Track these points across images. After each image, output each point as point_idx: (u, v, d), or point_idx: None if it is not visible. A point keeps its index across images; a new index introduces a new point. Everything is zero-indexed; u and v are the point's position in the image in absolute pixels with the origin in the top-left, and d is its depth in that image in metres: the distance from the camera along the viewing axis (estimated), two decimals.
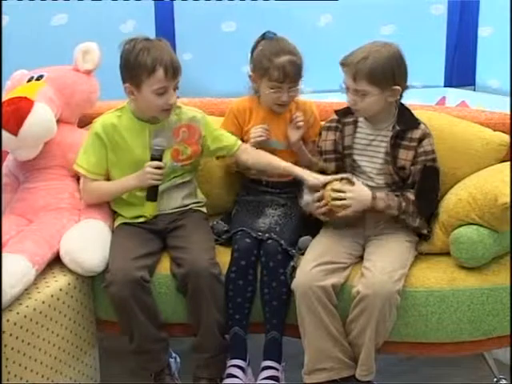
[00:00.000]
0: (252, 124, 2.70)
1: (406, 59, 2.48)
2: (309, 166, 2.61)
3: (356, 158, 2.56)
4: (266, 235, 2.50)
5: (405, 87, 2.48)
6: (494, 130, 2.69)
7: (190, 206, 2.67)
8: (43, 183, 2.67)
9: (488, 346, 2.53)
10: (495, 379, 2.70)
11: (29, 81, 2.77)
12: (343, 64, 2.46)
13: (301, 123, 2.64)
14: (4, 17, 3.26)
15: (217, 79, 3.75)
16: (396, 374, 2.73)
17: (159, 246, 2.58)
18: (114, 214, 2.67)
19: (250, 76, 2.66)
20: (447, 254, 2.47)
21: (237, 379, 2.44)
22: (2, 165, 2.70)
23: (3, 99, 2.61)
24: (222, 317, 2.47)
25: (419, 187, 2.47)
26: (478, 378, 2.74)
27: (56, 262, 2.47)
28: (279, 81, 2.58)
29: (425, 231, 2.51)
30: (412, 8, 3.87)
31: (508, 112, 2.84)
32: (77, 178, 2.68)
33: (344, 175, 2.49)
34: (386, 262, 2.37)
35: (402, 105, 2.55)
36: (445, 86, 3.99)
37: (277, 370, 2.46)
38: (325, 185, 2.47)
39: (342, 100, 2.58)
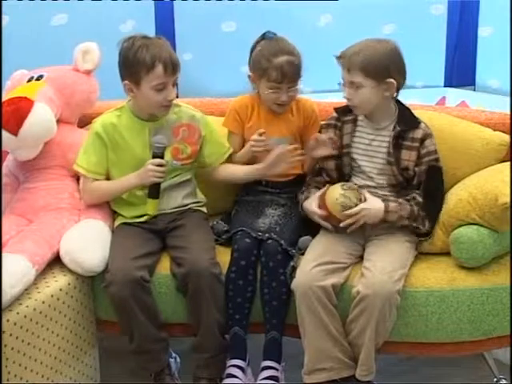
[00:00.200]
0: (253, 121, 2.70)
1: (406, 59, 2.48)
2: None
3: (355, 157, 2.56)
4: (266, 235, 2.50)
5: (401, 83, 2.48)
6: (494, 130, 2.68)
7: (189, 206, 2.67)
8: (43, 183, 2.67)
9: (488, 346, 2.53)
10: (495, 379, 2.70)
11: (29, 81, 2.77)
12: (339, 57, 2.48)
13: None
14: (4, 17, 3.26)
15: (217, 79, 3.75)
16: (396, 374, 2.73)
17: (159, 246, 2.58)
18: (114, 214, 2.67)
19: (249, 76, 2.66)
20: (447, 253, 2.47)
21: (236, 379, 2.44)
22: (2, 165, 2.70)
23: (3, 99, 2.61)
24: (222, 317, 2.47)
25: (425, 188, 2.47)
26: (478, 377, 2.74)
27: (56, 262, 2.47)
28: (277, 81, 2.58)
29: (424, 230, 2.51)
30: (412, 8, 3.87)
31: (508, 112, 2.84)
32: (77, 177, 2.68)
33: (349, 184, 2.50)
34: (386, 262, 2.37)
35: (401, 104, 2.55)
36: (445, 86, 3.99)
37: (276, 370, 2.46)
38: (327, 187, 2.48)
39: (341, 100, 2.57)
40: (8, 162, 2.75)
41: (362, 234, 2.54)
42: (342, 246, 2.48)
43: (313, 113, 2.71)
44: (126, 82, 2.52)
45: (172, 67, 2.49)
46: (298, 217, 2.61)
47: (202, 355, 2.47)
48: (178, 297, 2.49)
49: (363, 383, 2.39)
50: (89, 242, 2.49)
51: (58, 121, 2.70)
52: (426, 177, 2.48)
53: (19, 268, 2.30)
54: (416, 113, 2.58)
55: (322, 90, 3.42)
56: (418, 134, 2.49)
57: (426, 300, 2.38)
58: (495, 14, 3.81)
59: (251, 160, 2.68)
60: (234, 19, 3.78)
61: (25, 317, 2.25)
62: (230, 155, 2.70)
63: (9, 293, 2.22)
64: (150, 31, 3.59)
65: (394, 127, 2.50)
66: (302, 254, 2.50)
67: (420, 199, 2.46)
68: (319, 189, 2.56)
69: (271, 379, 2.44)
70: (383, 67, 2.42)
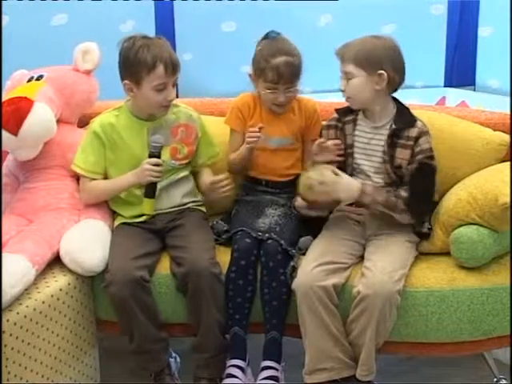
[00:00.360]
0: (255, 120, 2.70)
1: (406, 59, 2.48)
2: None
3: (355, 156, 2.57)
4: (266, 235, 2.50)
5: (397, 79, 2.47)
6: (494, 130, 2.68)
7: (188, 205, 2.67)
8: (43, 183, 2.67)
9: (488, 346, 2.53)
10: (495, 379, 2.70)
11: (29, 81, 2.77)
12: (336, 52, 2.49)
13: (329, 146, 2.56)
14: (4, 17, 3.26)
15: (217, 79, 3.75)
16: (396, 374, 2.73)
17: (159, 246, 2.58)
18: (114, 214, 2.68)
19: (249, 75, 2.67)
20: (447, 253, 2.47)
21: (236, 379, 2.44)
22: (2, 165, 2.70)
23: (3, 99, 2.62)
24: (223, 316, 2.47)
25: (412, 183, 2.46)
26: (478, 377, 2.74)
27: (56, 262, 2.47)
28: (274, 81, 2.58)
29: (425, 229, 2.50)
30: (412, 8, 3.87)
31: (508, 112, 2.84)
32: (77, 178, 2.68)
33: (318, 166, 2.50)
34: (387, 262, 2.37)
35: (400, 104, 2.55)
36: (445, 86, 3.99)
37: (276, 370, 2.46)
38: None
39: (342, 100, 2.57)
40: (8, 162, 2.75)
41: (363, 233, 2.54)
42: (342, 246, 2.48)
43: (315, 113, 2.71)
44: (126, 81, 2.52)
45: (172, 67, 2.50)
46: (298, 217, 2.61)
47: (202, 355, 2.47)
48: (177, 297, 2.49)
49: (364, 383, 2.39)
50: (89, 242, 2.49)
51: (58, 121, 2.70)
52: (416, 175, 2.46)
53: (19, 268, 2.30)
54: (416, 113, 2.57)
55: (322, 90, 3.43)
56: (414, 132, 2.48)
57: (426, 300, 2.38)
58: (495, 14, 3.81)
59: (248, 158, 2.68)
60: (234, 19, 3.78)
61: (25, 317, 2.25)
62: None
63: (9, 293, 2.22)
64: (150, 31, 3.58)
65: (391, 126, 2.50)
66: (303, 254, 2.50)
67: (403, 194, 2.45)
68: None
69: (271, 379, 2.44)
70: (375, 59, 2.43)
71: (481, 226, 2.41)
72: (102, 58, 2.81)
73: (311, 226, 2.59)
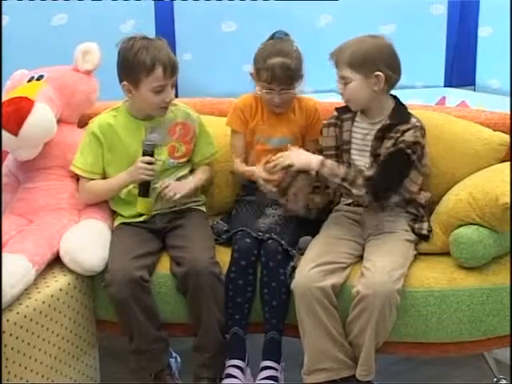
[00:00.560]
0: (256, 121, 2.70)
1: (406, 59, 2.48)
2: None
3: (352, 152, 2.57)
4: (267, 235, 2.50)
5: (393, 77, 2.47)
6: (494, 130, 2.68)
7: (188, 205, 2.67)
8: (43, 183, 2.67)
9: (488, 346, 2.53)
10: (495, 379, 2.70)
11: (29, 81, 2.77)
12: (330, 55, 2.49)
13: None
14: (4, 17, 3.26)
15: (217, 79, 3.75)
16: (396, 374, 2.73)
17: (158, 246, 2.58)
18: (114, 214, 2.68)
19: (251, 74, 2.67)
20: (447, 253, 2.47)
21: (236, 379, 2.44)
22: (2, 165, 2.70)
23: (3, 99, 2.62)
24: (223, 316, 2.47)
25: (381, 164, 2.44)
26: (478, 377, 2.74)
27: (56, 262, 2.47)
28: (268, 82, 2.58)
29: (424, 231, 2.50)
30: (412, 8, 3.87)
31: (508, 112, 2.84)
32: (76, 178, 2.68)
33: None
34: (386, 262, 2.37)
35: (399, 102, 2.55)
36: (445, 86, 3.99)
37: (276, 370, 2.46)
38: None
39: (342, 100, 2.57)
40: (8, 162, 2.75)
41: (362, 233, 2.54)
42: (341, 246, 2.48)
43: (315, 112, 2.71)
44: (125, 83, 2.52)
45: (171, 69, 2.50)
46: (298, 218, 2.61)
47: (203, 355, 2.47)
48: (177, 297, 2.49)
49: (363, 383, 2.39)
50: (89, 242, 2.49)
51: (58, 121, 2.70)
52: (388, 157, 2.44)
53: (19, 268, 2.30)
54: (416, 113, 2.57)
55: (322, 90, 3.43)
56: (404, 127, 2.47)
57: (425, 300, 2.38)
58: (495, 14, 3.81)
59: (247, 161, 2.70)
60: (233, 19, 3.78)
61: (25, 317, 2.25)
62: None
63: (9, 293, 2.22)
64: (150, 31, 3.59)
65: (385, 121, 2.50)
66: (302, 254, 2.50)
67: (367, 173, 2.45)
68: (315, 193, 2.56)
69: (270, 379, 2.44)
70: (370, 61, 2.43)
71: (481, 226, 2.41)
72: (102, 58, 2.81)
73: (311, 226, 2.59)
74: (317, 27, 3.82)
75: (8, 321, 2.19)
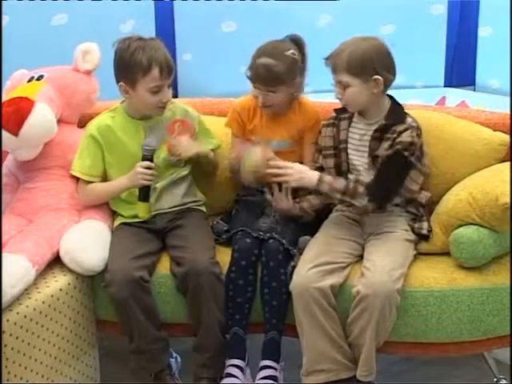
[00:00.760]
0: (255, 124, 2.70)
1: (406, 59, 2.50)
2: None
3: (350, 152, 2.57)
4: (268, 235, 2.50)
5: (389, 79, 2.47)
6: (494, 130, 2.68)
7: (189, 205, 2.67)
8: (43, 183, 2.67)
9: (488, 346, 2.53)
10: (495, 379, 2.70)
11: (29, 81, 2.77)
12: (326, 59, 2.49)
13: None
14: (4, 17, 3.26)
15: (217, 79, 3.75)
16: (396, 374, 2.73)
17: (158, 246, 2.58)
18: (114, 215, 2.68)
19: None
20: (447, 253, 2.47)
21: (235, 379, 2.44)
22: (2, 165, 2.70)
23: (3, 99, 2.62)
24: (223, 316, 2.47)
25: (380, 169, 2.45)
26: (478, 377, 2.74)
27: (56, 262, 2.47)
28: (252, 81, 2.59)
29: (424, 231, 2.50)
30: (412, 8, 3.87)
31: (508, 112, 2.84)
32: (76, 178, 2.68)
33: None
34: (386, 262, 2.37)
35: (395, 101, 2.55)
36: (445, 86, 3.99)
37: (275, 369, 2.46)
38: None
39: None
40: (8, 162, 2.75)
41: (361, 233, 2.54)
42: (340, 246, 2.48)
43: (314, 114, 2.70)
44: (122, 83, 2.52)
45: (167, 70, 2.51)
46: (299, 217, 2.61)
47: (203, 355, 2.47)
48: (177, 297, 2.49)
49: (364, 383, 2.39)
50: (89, 242, 2.49)
51: (59, 121, 2.70)
52: (386, 160, 2.44)
53: (19, 268, 2.30)
54: (416, 113, 2.58)
55: (322, 90, 3.42)
56: (400, 127, 2.47)
57: (425, 300, 2.38)
58: (495, 14, 3.81)
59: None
60: (234, 19, 3.78)
61: (25, 317, 2.25)
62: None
63: (9, 293, 2.22)
64: (150, 31, 3.59)
65: (382, 121, 2.50)
66: (301, 253, 2.50)
67: (366, 180, 2.45)
68: (313, 193, 2.56)
69: (269, 379, 2.44)
70: (368, 65, 2.42)
71: (481, 226, 2.41)
72: (102, 58, 2.81)
73: (312, 225, 2.59)
74: (317, 27, 3.82)
75: (8, 321, 2.19)
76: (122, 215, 2.64)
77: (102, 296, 2.48)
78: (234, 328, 2.47)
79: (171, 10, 3.77)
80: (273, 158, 2.51)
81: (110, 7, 3.58)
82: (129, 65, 2.49)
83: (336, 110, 2.62)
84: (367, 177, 2.46)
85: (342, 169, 2.57)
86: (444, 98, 3.93)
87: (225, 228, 2.62)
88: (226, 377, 2.45)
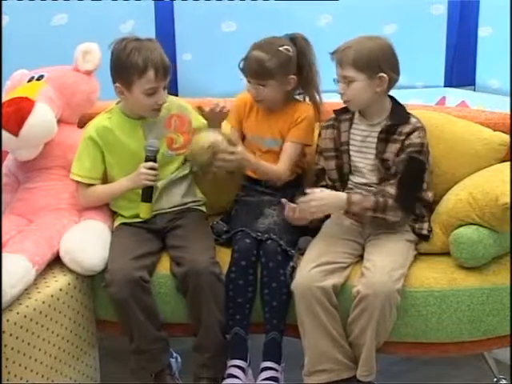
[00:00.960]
0: (250, 120, 2.70)
1: (406, 59, 2.49)
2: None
3: (352, 153, 2.57)
4: (266, 235, 2.50)
5: (394, 78, 2.48)
6: (494, 130, 2.68)
7: (189, 205, 2.67)
8: (43, 183, 2.67)
9: (488, 346, 2.53)
10: (495, 379, 2.70)
11: (29, 81, 2.77)
12: (332, 53, 2.49)
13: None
14: (4, 17, 3.26)
15: (217, 79, 3.75)
16: (396, 374, 2.73)
17: (158, 246, 2.58)
18: (114, 215, 2.68)
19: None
20: (447, 253, 2.47)
21: (237, 379, 2.43)
22: (2, 165, 2.70)
23: (3, 99, 2.62)
24: (223, 316, 2.47)
25: (401, 178, 2.45)
26: (478, 377, 2.74)
27: (56, 262, 2.47)
28: (243, 72, 2.60)
29: (425, 231, 2.50)
30: (412, 8, 3.87)
31: (508, 112, 2.84)
32: (76, 180, 2.68)
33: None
34: (386, 262, 2.37)
35: (396, 101, 2.55)
36: (445, 86, 3.99)
37: (276, 370, 2.45)
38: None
39: (339, 100, 2.57)
40: (8, 162, 2.75)
41: (362, 233, 2.54)
42: (341, 246, 2.48)
43: (302, 115, 2.66)
44: (117, 84, 2.52)
45: (163, 71, 2.50)
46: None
47: (203, 355, 2.47)
48: (177, 297, 2.49)
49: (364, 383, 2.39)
50: (89, 242, 2.49)
51: (59, 121, 2.70)
52: (404, 168, 2.45)
53: (19, 268, 2.30)
54: (416, 113, 2.58)
55: (322, 90, 3.43)
56: (407, 128, 2.48)
57: (425, 300, 2.38)
58: (495, 14, 3.81)
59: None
60: (234, 19, 3.78)
61: (25, 317, 2.25)
62: None
63: (9, 293, 2.22)
64: (150, 31, 3.59)
65: (386, 122, 2.51)
66: (302, 254, 2.50)
67: (392, 191, 2.45)
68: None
69: (271, 380, 2.43)
70: (374, 62, 2.43)
71: (481, 226, 2.41)
72: (102, 58, 2.81)
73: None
74: (317, 27, 3.81)
75: (8, 321, 2.19)
76: (122, 215, 2.64)
77: (102, 296, 2.48)
78: (235, 328, 2.47)
79: (171, 10, 3.76)
80: (233, 143, 2.48)
81: (109, 7, 3.58)
82: (124, 66, 2.49)
83: (335, 112, 2.62)
84: (391, 188, 2.45)
85: (343, 171, 2.57)
86: (444, 97, 3.93)
87: (225, 228, 2.62)
88: (228, 377, 2.45)
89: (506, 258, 2.46)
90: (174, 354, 2.61)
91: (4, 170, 2.72)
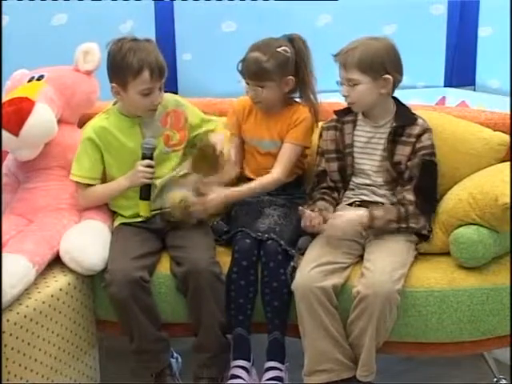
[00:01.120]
0: (249, 124, 2.71)
1: (407, 59, 2.49)
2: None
3: (355, 155, 2.57)
4: (266, 235, 2.49)
5: (398, 79, 2.48)
6: (494, 130, 2.68)
7: None
8: (43, 183, 2.67)
9: (488, 346, 2.53)
10: (495, 379, 2.70)
11: (29, 81, 2.77)
12: (336, 55, 2.49)
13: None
14: (4, 17, 3.26)
15: (217, 79, 3.75)
16: (396, 374, 2.73)
17: (158, 246, 2.58)
18: (114, 215, 2.68)
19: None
20: (447, 253, 2.47)
21: (241, 380, 2.44)
22: (2, 165, 2.70)
23: (4, 99, 2.62)
24: (223, 316, 2.47)
25: (419, 184, 2.46)
26: (478, 377, 2.74)
27: (56, 261, 2.47)
28: (242, 74, 2.60)
29: (425, 231, 2.50)
30: (412, 8, 3.87)
31: (508, 112, 2.84)
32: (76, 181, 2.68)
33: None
34: (386, 262, 2.37)
35: (399, 102, 2.55)
36: (445, 86, 3.99)
37: (280, 370, 2.46)
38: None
39: (342, 100, 2.57)
40: (8, 162, 2.75)
41: (362, 233, 2.53)
42: (341, 246, 2.48)
43: (297, 119, 2.66)
44: (114, 84, 2.53)
45: (158, 72, 2.50)
46: (298, 217, 2.60)
47: (203, 355, 2.47)
48: (178, 297, 2.49)
49: None
50: (89, 241, 2.49)
51: (59, 121, 2.70)
52: (420, 173, 2.46)
53: (19, 268, 2.30)
54: (416, 113, 2.57)
55: (321, 90, 3.42)
56: (415, 129, 2.49)
57: (425, 300, 2.38)
58: (495, 14, 3.81)
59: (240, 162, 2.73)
60: (234, 19, 3.78)
61: (25, 317, 2.25)
62: None
63: (9, 293, 2.22)
64: (150, 31, 3.59)
65: (392, 124, 2.51)
66: (302, 254, 2.50)
67: (412, 198, 2.45)
68: (325, 200, 2.55)
69: (275, 380, 2.44)
70: (379, 63, 2.43)
71: (481, 226, 2.41)
72: (102, 59, 2.81)
73: None
74: (316, 27, 3.81)
75: (8, 321, 2.19)
76: (121, 215, 2.64)
77: (102, 296, 2.48)
78: (237, 329, 2.47)
79: (171, 10, 3.76)
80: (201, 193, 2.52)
81: (109, 7, 3.57)
82: (120, 66, 2.49)
83: (337, 112, 2.62)
84: (409, 194, 2.46)
85: (346, 172, 2.57)
86: (444, 98, 3.93)
87: (225, 229, 2.62)
88: (231, 378, 2.45)
89: (506, 257, 2.46)
90: (175, 354, 2.61)
91: (4, 170, 2.72)
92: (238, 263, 2.47)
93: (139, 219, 2.60)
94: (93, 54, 2.81)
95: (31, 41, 3.39)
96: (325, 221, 2.45)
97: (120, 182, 2.58)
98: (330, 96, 2.81)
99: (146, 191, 2.55)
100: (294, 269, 2.44)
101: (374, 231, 2.50)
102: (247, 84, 2.62)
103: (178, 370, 2.59)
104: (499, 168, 2.57)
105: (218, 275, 2.45)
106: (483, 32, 3.88)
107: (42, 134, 2.61)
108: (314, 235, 2.55)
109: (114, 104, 2.64)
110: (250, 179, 2.72)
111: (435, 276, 2.42)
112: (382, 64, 2.43)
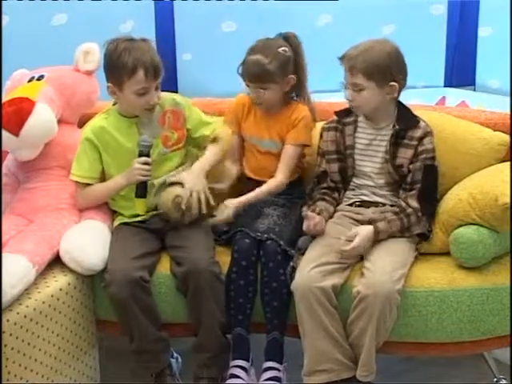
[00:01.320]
0: (249, 122, 2.71)
1: (406, 59, 2.49)
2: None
3: (356, 157, 2.57)
4: (265, 236, 2.49)
5: (403, 84, 2.48)
6: (494, 130, 2.68)
7: None
8: (43, 183, 2.67)
9: (488, 346, 2.53)
10: (495, 379, 2.71)
11: (29, 81, 2.77)
12: (341, 58, 2.48)
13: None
14: (4, 17, 3.26)
15: (217, 79, 3.75)
16: (396, 374, 2.73)
17: (158, 246, 2.58)
18: (114, 215, 2.68)
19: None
20: (447, 253, 2.47)
21: (240, 380, 2.44)
22: (2, 165, 2.70)
23: (4, 99, 2.62)
24: (223, 316, 2.47)
25: (422, 189, 2.47)
26: (478, 377, 2.74)
27: (56, 261, 2.47)
28: (243, 77, 2.60)
29: (425, 230, 2.50)
30: (412, 8, 3.87)
31: (508, 112, 2.84)
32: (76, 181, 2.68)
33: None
34: (386, 262, 2.37)
35: (401, 104, 2.55)
36: (445, 86, 3.99)
37: (278, 370, 2.46)
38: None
39: (341, 100, 2.57)
40: (8, 162, 2.75)
41: None
42: (341, 246, 2.48)
43: (296, 119, 2.66)
44: (110, 84, 2.53)
45: (153, 72, 2.50)
46: (297, 217, 2.61)
47: (203, 355, 2.47)
48: (178, 297, 2.49)
49: None
50: (89, 241, 2.49)
51: (59, 121, 2.70)
52: (423, 177, 2.47)
53: (19, 268, 2.30)
54: (416, 113, 2.58)
55: (322, 90, 3.43)
56: (417, 132, 2.49)
57: (425, 300, 2.38)
58: (495, 14, 3.81)
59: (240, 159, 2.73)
60: (234, 19, 3.78)
61: (25, 317, 2.25)
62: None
63: (9, 293, 2.22)
64: (150, 31, 3.59)
65: (394, 126, 2.51)
66: (302, 254, 2.50)
67: (416, 205, 2.46)
68: (325, 200, 2.55)
69: (273, 380, 2.44)
70: (385, 70, 2.42)
71: (481, 226, 2.41)
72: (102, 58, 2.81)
73: None
74: (316, 27, 3.81)
75: (8, 321, 2.19)
76: (121, 215, 2.64)
77: (102, 296, 2.48)
78: (236, 329, 2.47)
79: (171, 10, 3.76)
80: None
81: (109, 7, 3.57)
82: (115, 66, 2.50)
83: (337, 113, 2.61)
84: (412, 201, 2.46)
85: (347, 173, 2.57)
86: (444, 98, 3.93)
87: (224, 228, 2.62)
88: (230, 378, 2.45)
89: (506, 257, 2.46)
90: (175, 354, 2.61)
91: (4, 170, 2.72)
92: (238, 263, 2.47)
93: (139, 219, 2.60)
94: (93, 54, 2.81)
95: (31, 41, 3.39)
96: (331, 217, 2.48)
97: (117, 180, 2.58)
98: (331, 96, 2.81)
99: (142, 188, 2.55)
100: (294, 269, 2.44)
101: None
102: (248, 86, 2.62)
103: (178, 370, 2.59)
104: (499, 168, 2.57)
105: (217, 275, 2.45)
106: (483, 32, 3.88)
107: (42, 134, 2.61)
108: (314, 235, 2.55)
109: (114, 104, 2.65)
110: (249, 179, 2.72)
111: (435, 276, 2.42)
112: (388, 71, 2.43)
